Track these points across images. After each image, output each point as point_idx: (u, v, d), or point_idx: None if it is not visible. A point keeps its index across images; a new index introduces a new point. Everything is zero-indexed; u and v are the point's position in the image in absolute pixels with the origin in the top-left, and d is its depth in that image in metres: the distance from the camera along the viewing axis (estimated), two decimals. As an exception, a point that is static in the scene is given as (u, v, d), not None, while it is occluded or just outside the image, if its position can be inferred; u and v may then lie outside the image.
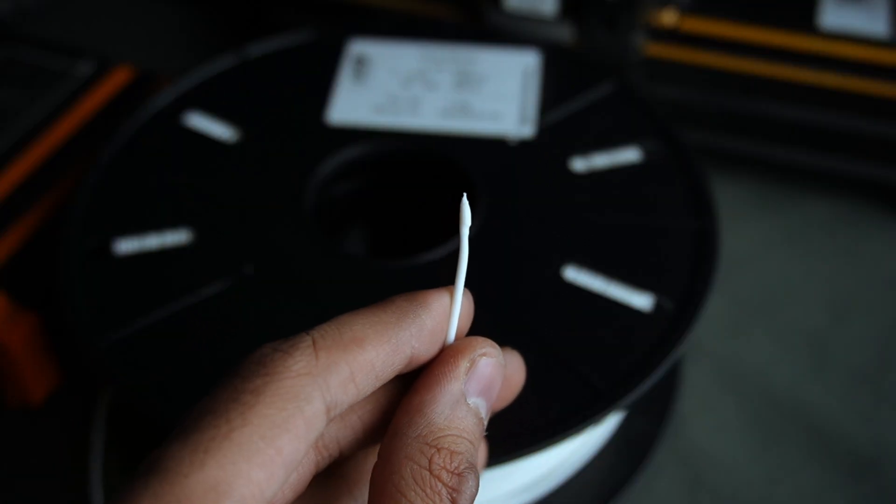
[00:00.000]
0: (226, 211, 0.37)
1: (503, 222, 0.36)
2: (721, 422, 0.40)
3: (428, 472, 0.19)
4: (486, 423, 0.21)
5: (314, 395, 0.19)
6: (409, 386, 0.21)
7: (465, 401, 0.21)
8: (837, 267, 0.47)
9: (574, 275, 0.34)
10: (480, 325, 0.23)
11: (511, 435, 0.28)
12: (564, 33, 0.48)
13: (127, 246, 0.35)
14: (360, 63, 0.43)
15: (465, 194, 0.22)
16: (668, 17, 0.48)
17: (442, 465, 0.19)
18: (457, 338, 0.22)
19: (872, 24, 0.47)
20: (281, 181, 0.38)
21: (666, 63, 0.48)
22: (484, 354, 0.21)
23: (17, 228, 0.39)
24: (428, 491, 0.19)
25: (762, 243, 0.48)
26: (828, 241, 0.48)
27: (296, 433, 0.18)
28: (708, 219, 0.36)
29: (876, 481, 0.38)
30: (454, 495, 0.19)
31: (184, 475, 0.17)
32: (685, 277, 0.34)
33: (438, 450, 0.20)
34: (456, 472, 0.19)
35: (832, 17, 0.47)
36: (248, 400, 0.18)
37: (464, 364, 0.21)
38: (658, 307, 0.33)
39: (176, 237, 0.35)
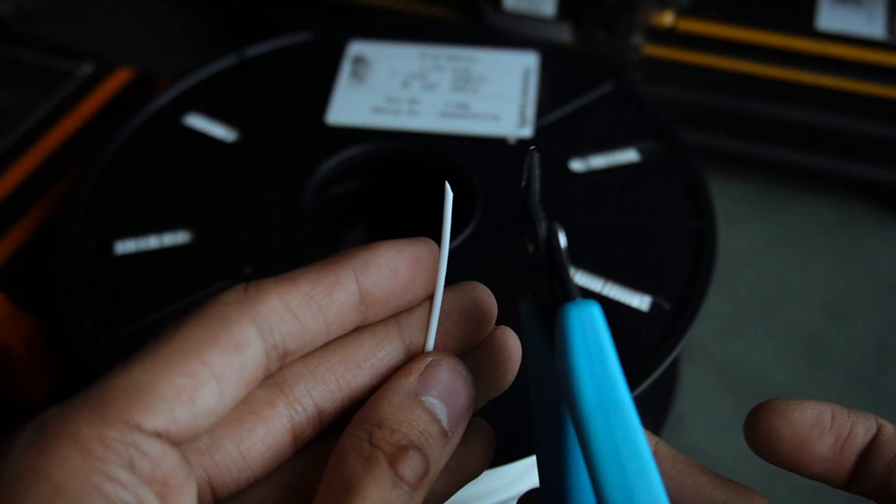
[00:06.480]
0: (225, 211, 0.37)
1: (501, 222, 0.36)
2: (719, 421, 0.40)
3: (368, 444, 0.19)
4: (451, 429, 0.21)
5: (241, 318, 0.19)
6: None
7: (416, 397, 0.21)
8: (835, 267, 0.47)
9: (572, 275, 0.34)
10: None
11: (510, 437, 0.29)
12: (564, 33, 0.48)
13: (126, 246, 0.35)
14: (360, 63, 0.44)
15: (447, 189, 0.21)
16: (667, 18, 0.48)
17: (381, 437, 0.20)
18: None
19: (870, 25, 0.47)
20: (280, 181, 0.38)
21: (665, 64, 0.48)
22: (439, 360, 0.21)
23: (17, 229, 0.39)
24: (366, 455, 0.19)
25: (760, 244, 0.48)
26: (825, 242, 0.48)
27: (222, 348, 0.19)
28: (706, 219, 0.36)
29: (873, 481, 0.38)
30: (394, 462, 0.19)
31: (111, 378, 0.18)
32: (683, 278, 0.34)
33: (380, 427, 0.20)
34: (397, 444, 0.19)
35: (830, 19, 0.47)
36: (177, 325, 0.19)
37: (417, 366, 0.21)
38: (656, 307, 0.33)
39: (175, 237, 0.35)
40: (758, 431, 0.23)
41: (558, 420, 0.21)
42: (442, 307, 0.22)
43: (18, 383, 0.37)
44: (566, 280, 0.20)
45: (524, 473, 0.34)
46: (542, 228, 0.20)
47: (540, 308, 0.22)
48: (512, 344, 0.24)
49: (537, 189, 0.21)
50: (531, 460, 0.32)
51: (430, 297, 0.22)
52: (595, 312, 0.19)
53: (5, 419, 0.39)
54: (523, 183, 0.21)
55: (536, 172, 0.21)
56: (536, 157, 0.21)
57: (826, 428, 0.22)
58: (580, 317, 0.19)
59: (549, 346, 0.21)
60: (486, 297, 0.23)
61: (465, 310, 0.23)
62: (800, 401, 0.23)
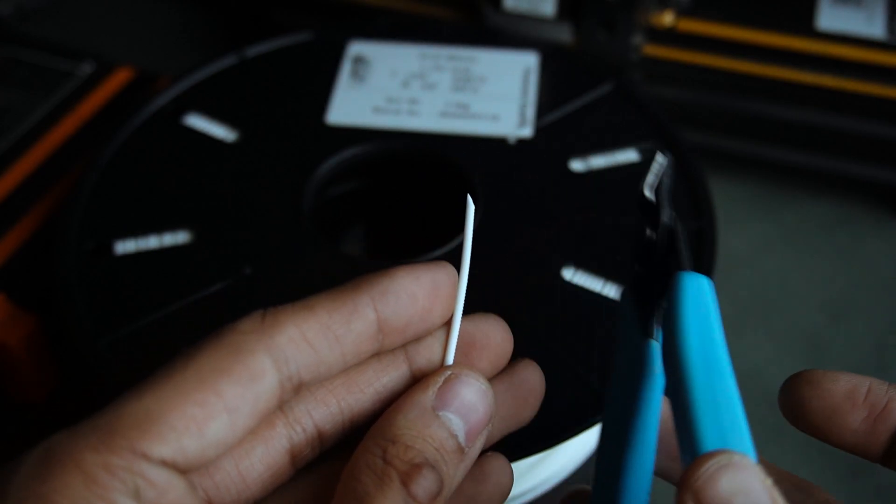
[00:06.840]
0: (225, 211, 0.37)
1: (502, 223, 0.36)
2: (719, 421, 0.40)
3: (381, 461, 0.19)
4: (467, 445, 0.21)
5: (257, 348, 0.19)
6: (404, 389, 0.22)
7: (433, 412, 0.20)
8: (835, 267, 0.47)
9: (572, 275, 0.34)
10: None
11: (510, 437, 0.29)
12: (564, 33, 0.48)
13: (126, 246, 0.35)
14: (360, 63, 0.44)
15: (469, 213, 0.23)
16: (667, 18, 0.48)
17: (395, 454, 0.19)
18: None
19: (870, 25, 0.47)
20: (280, 181, 0.38)
21: (665, 64, 0.48)
22: (458, 374, 0.21)
23: (17, 229, 0.39)
24: (379, 473, 0.19)
25: (760, 244, 0.48)
26: (825, 242, 0.48)
27: (236, 378, 0.19)
28: (706, 219, 0.36)
29: (872, 480, 0.38)
30: (407, 482, 0.19)
31: (121, 405, 0.18)
32: (683, 278, 0.34)
33: (394, 443, 0.19)
34: (411, 462, 0.19)
35: (830, 19, 0.47)
36: (191, 352, 0.19)
37: (434, 380, 0.21)
38: (656, 307, 0.33)
39: (175, 237, 0.35)
40: (790, 400, 0.23)
41: (636, 404, 0.22)
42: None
43: (18, 383, 0.37)
44: (683, 258, 0.22)
45: (525, 472, 0.34)
46: (666, 216, 0.22)
47: (637, 296, 0.23)
48: (535, 379, 0.23)
49: (667, 184, 0.23)
50: (532, 460, 0.32)
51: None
52: (707, 283, 0.21)
53: (5, 419, 0.39)
54: (653, 179, 0.23)
55: (669, 171, 0.23)
56: (669, 160, 0.23)
57: (859, 401, 0.22)
58: (694, 283, 0.21)
59: (641, 332, 0.22)
60: (502, 332, 0.23)
61: (477, 342, 0.22)
62: (835, 372, 0.23)
